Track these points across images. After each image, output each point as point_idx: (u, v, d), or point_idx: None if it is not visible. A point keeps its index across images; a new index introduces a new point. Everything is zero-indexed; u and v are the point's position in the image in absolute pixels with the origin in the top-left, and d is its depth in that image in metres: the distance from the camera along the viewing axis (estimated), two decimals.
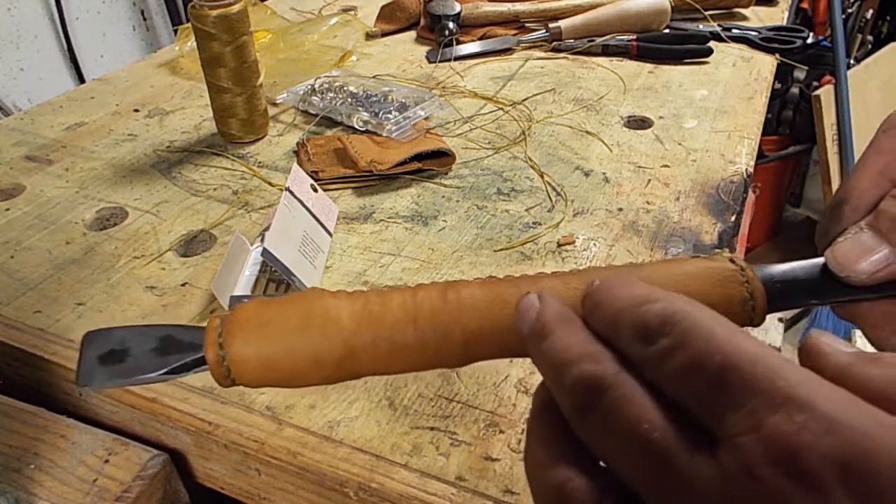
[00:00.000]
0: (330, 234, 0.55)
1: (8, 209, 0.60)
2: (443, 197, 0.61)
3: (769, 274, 0.26)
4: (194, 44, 0.67)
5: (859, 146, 1.67)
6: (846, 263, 0.26)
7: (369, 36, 0.99)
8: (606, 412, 0.19)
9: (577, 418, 0.20)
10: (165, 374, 0.26)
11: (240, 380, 0.25)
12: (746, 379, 0.17)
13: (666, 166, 0.64)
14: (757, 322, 0.26)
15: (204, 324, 0.26)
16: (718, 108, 0.74)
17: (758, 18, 0.99)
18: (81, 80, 1.50)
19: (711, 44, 0.86)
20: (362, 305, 0.26)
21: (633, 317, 0.20)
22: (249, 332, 0.25)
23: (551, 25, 0.91)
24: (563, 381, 0.20)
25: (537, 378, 0.42)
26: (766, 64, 0.85)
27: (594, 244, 0.54)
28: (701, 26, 0.92)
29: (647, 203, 0.59)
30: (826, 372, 0.20)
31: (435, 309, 0.25)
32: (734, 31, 0.91)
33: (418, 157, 0.63)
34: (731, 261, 0.26)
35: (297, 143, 0.69)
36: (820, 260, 0.27)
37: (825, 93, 1.66)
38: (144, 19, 1.68)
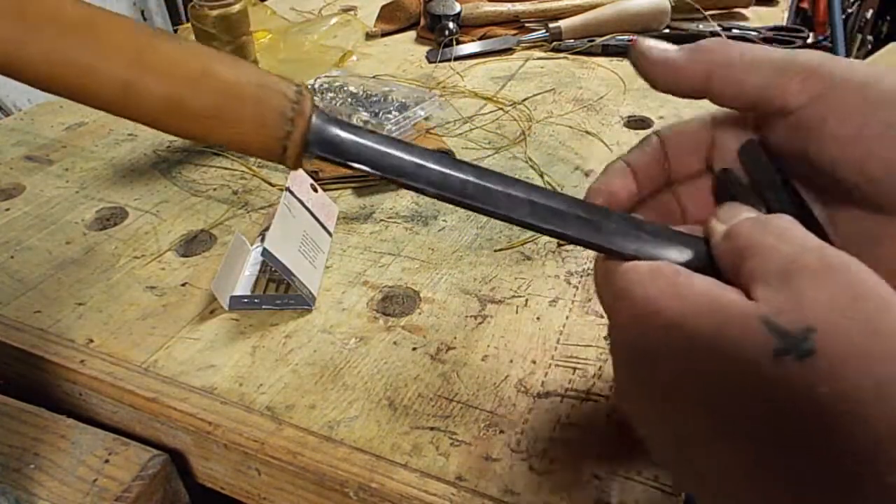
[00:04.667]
0: (330, 234, 0.55)
1: (8, 209, 0.60)
2: None
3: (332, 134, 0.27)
4: None
5: None
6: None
7: (369, 36, 0.99)
8: None
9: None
10: None
11: None
12: None
13: None
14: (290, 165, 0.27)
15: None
16: (718, 108, 0.74)
17: (758, 18, 0.99)
18: None
19: None
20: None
21: None
22: None
23: (551, 25, 0.91)
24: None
25: (537, 378, 0.42)
26: None
27: None
28: (701, 26, 0.92)
29: None
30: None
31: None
32: (734, 30, 0.91)
33: None
34: (299, 94, 0.26)
35: None
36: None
37: None
38: (144, 19, 1.68)
